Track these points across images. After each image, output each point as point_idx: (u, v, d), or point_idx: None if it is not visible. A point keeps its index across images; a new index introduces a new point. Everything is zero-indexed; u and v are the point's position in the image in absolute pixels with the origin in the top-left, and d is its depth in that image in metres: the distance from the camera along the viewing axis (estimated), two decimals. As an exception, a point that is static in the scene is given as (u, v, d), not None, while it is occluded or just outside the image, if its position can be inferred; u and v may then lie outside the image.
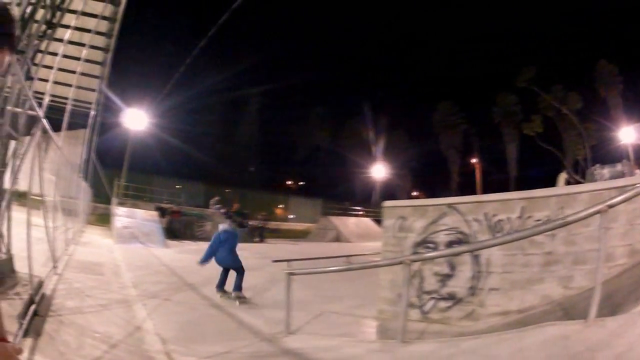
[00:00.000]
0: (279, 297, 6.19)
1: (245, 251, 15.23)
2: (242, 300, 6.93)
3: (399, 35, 48.99)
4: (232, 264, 7.29)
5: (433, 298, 5.14)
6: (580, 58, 32.18)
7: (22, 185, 4.90)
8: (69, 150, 13.03)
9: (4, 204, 4.22)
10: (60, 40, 8.46)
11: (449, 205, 5.28)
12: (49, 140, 7.01)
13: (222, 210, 21.81)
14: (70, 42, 9.34)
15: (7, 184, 4.54)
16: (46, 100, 6.94)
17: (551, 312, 3.87)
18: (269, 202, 38.60)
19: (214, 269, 7.46)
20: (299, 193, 42.15)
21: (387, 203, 6.24)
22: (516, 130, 36.97)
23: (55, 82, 8.86)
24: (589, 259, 3.88)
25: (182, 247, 15.31)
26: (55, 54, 8.60)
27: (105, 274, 7.81)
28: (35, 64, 6.21)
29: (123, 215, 15.83)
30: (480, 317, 4.58)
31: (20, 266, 4.60)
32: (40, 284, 4.76)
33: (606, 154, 25.27)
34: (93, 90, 14.83)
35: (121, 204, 17.81)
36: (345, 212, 32.06)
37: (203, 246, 8.64)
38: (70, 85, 10.89)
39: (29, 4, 5.11)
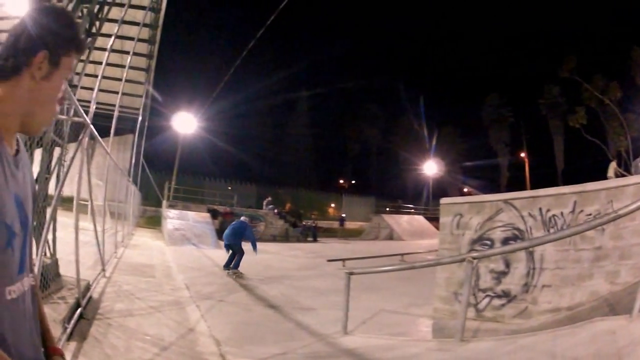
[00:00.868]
0: (333, 298, 6.51)
1: (299, 251, 15.43)
2: (238, 275, 8.88)
3: (447, 33, 50.11)
4: (233, 245, 9.12)
5: (488, 296, 5.11)
6: (617, 47, 30.70)
7: (69, 191, 4.95)
8: (117, 155, 13.66)
9: (49, 209, 4.24)
10: (103, 49, 8.72)
11: (505, 201, 5.24)
12: (95, 146, 7.22)
13: (275, 211, 22.08)
14: (113, 51, 9.63)
15: (52, 189, 4.59)
16: (92, 107, 7.11)
17: (598, 308, 3.88)
18: (322, 201, 38.80)
19: (267, 270, 7.76)
20: (351, 192, 41.77)
21: (444, 200, 6.16)
22: (562, 122, 36.68)
23: (101, 90, 9.16)
24: (633, 253, 3.91)
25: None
26: (99, 63, 8.91)
27: (157, 276, 7.87)
28: (77, 73, 6.35)
29: (174, 218, 16.10)
30: (532, 315, 4.57)
31: (67, 270, 4.64)
32: (87, 287, 4.79)
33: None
34: (140, 96, 15.41)
35: (172, 206, 18.19)
36: (398, 210, 32.05)
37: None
38: (116, 93, 11.29)
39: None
